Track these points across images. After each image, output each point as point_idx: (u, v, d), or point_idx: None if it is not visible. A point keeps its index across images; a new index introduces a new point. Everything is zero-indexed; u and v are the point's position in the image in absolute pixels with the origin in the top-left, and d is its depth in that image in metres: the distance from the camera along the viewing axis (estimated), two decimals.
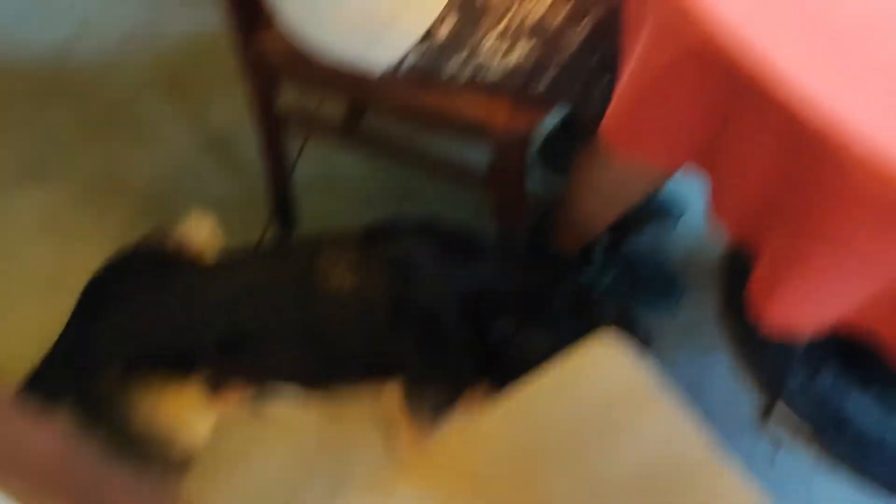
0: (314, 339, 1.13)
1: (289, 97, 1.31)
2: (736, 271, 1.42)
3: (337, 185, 1.58)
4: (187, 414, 1.10)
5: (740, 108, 0.68)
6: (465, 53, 0.97)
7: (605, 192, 1.15)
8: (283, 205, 1.49)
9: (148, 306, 1.15)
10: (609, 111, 0.82)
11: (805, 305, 0.68)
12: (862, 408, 1.25)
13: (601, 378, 0.81)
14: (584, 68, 0.95)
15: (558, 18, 0.94)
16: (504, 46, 0.95)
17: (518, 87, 0.99)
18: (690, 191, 1.44)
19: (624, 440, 0.78)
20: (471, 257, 1.21)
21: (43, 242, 1.53)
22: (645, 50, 0.75)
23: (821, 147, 0.61)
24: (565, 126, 1.33)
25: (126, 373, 1.10)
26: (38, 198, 1.59)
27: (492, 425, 0.84)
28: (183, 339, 1.13)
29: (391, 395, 1.09)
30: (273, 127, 1.34)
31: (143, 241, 1.28)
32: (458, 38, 0.96)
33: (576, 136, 1.30)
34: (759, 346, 1.34)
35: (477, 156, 1.15)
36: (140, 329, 1.14)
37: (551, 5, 0.93)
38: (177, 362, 1.11)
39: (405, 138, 1.26)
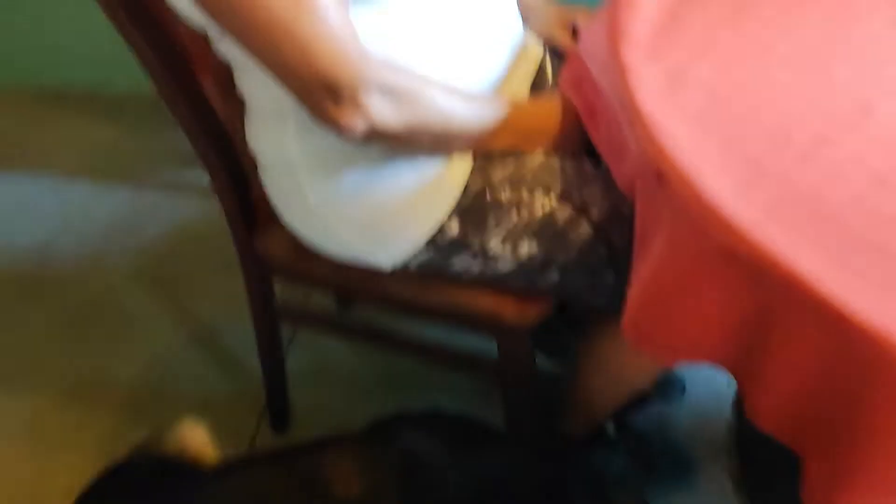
0: None
1: (280, 286, 1.29)
2: (748, 444, 1.39)
3: (331, 374, 1.55)
4: None
5: (773, 310, 0.67)
6: (471, 253, 0.97)
7: (614, 376, 1.13)
8: (277, 398, 1.45)
9: None
10: (630, 311, 0.81)
11: None
12: None
13: None
14: (589, 264, 0.96)
15: (562, 218, 0.95)
16: (509, 247, 0.96)
17: (525, 284, 0.99)
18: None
19: None
20: (481, 448, 1.17)
21: (26, 450, 1.45)
22: (665, 251, 0.76)
23: (869, 344, 0.61)
24: (560, 310, 1.33)
25: None
26: (20, 403, 1.52)
27: None
28: None
29: None
30: (269, 320, 1.32)
31: (134, 452, 1.22)
32: (465, 239, 0.97)
33: (572, 321, 1.30)
34: None
35: (474, 339, 1.14)
36: None
37: (554, 205, 0.95)
38: None
39: (402, 327, 1.25)
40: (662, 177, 0.74)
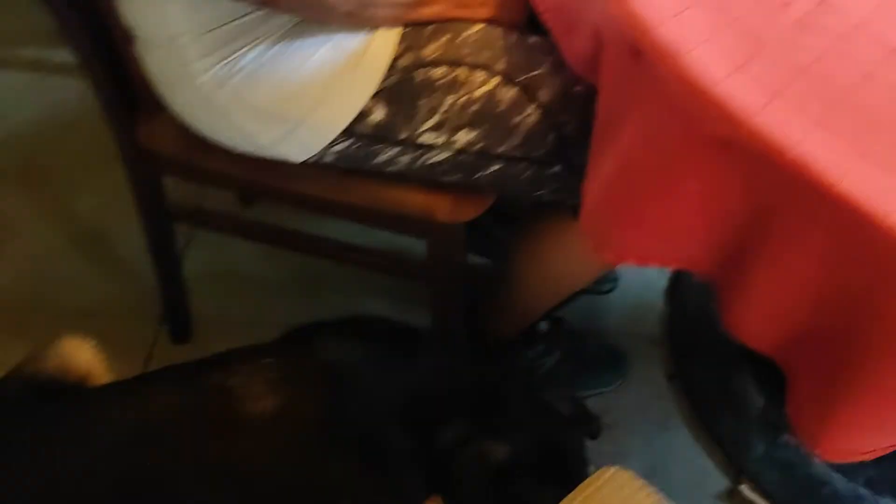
0: (235, 480, 0.95)
1: (174, 181, 1.12)
2: (681, 335, 1.34)
3: (236, 277, 1.40)
4: None
5: (772, 210, 0.57)
6: (398, 142, 0.83)
7: (554, 276, 1.03)
8: (175, 306, 1.30)
9: (25, 465, 0.93)
10: (590, 210, 0.70)
11: (875, 432, 0.58)
12: (831, 468, 1.18)
13: None
14: (536, 153, 0.83)
15: (502, 105, 0.81)
16: (444, 135, 0.82)
17: (462, 177, 0.86)
18: None
19: None
20: (407, 355, 1.07)
21: None
22: (638, 141, 0.64)
23: (887, 247, 0.51)
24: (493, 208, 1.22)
25: None
26: None
27: None
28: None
29: None
30: (160, 220, 1.16)
31: (9, 374, 1.06)
32: (390, 130, 0.82)
33: (504, 214, 1.18)
34: (713, 417, 1.26)
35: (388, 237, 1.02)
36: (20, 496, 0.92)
37: (493, 91, 0.81)
38: None
39: (313, 223, 1.12)
40: (639, 52, 0.62)
